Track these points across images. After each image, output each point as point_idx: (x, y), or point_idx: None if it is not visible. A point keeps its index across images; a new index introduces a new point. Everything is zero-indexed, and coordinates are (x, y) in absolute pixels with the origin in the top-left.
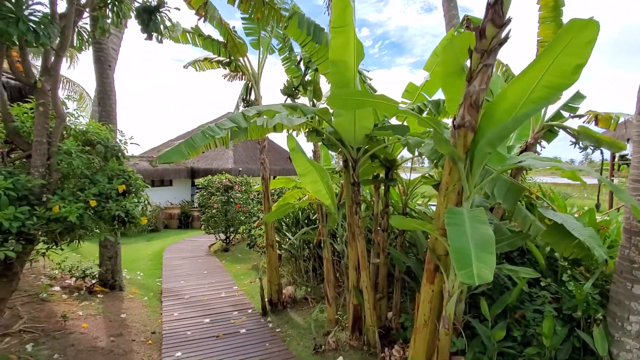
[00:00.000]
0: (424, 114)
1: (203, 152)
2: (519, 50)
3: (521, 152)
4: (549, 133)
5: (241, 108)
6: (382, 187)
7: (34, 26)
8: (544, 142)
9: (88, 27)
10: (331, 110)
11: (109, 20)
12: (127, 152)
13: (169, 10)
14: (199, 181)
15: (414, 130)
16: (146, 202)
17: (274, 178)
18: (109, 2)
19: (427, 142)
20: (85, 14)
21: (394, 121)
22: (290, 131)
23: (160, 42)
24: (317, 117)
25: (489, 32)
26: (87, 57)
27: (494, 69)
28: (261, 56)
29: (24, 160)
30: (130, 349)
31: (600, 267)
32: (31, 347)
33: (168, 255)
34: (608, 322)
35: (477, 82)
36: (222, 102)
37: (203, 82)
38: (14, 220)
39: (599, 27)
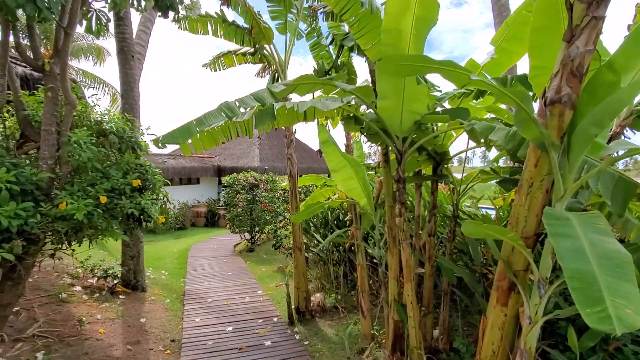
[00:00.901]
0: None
1: (223, 143)
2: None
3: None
4: (638, 119)
5: None
6: (425, 186)
7: None
8: (628, 132)
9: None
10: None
11: None
12: (146, 145)
13: None
14: (225, 179)
15: (474, 116)
16: (165, 199)
17: (300, 177)
18: None
19: (499, 127)
20: None
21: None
22: (322, 121)
23: (177, 21)
24: (355, 102)
25: None
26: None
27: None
28: (288, 42)
29: (37, 152)
30: None
31: None
32: (42, 356)
33: (193, 255)
34: None
35: (582, 42)
36: None
37: (231, 80)
38: (15, 217)
39: None
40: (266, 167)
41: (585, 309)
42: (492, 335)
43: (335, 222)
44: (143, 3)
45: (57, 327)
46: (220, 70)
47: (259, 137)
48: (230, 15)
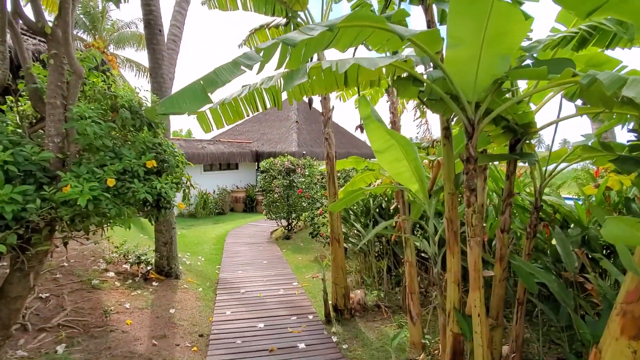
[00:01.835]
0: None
1: (247, 117)
2: None
3: None
4: None
5: None
6: (489, 170)
7: None
8: None
9: None
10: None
11: None
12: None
13: None
14: (261, 164)
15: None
16: (188, 182)
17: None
18: None
19: (635, 79)
20: None
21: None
22: (367, 92)
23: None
24: (413, 59)
25: None
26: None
27: None
28: (325, 7)
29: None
30: (172, 357)
31: None
32: (62, 349)
33: (230, 240)
34: None
35: None
36: None
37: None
38: (10, 203)
39: None
40: (304, 152)
41: None
42: None
43: (377, 210)
44: None
45: (84, 316)
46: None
47: (296, 121)
48: None
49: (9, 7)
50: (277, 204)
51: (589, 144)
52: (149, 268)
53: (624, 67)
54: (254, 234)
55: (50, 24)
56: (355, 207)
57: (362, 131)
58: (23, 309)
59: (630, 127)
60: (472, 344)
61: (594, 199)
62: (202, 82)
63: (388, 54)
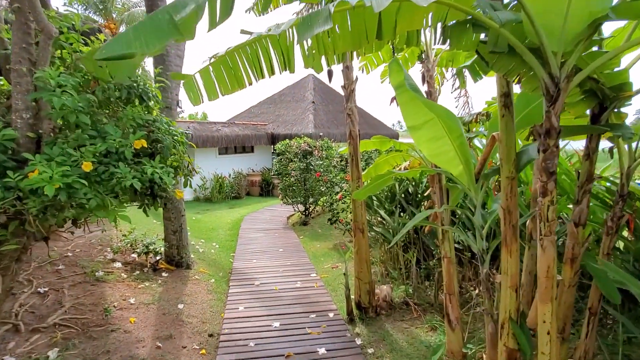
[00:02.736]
0: None
1: (250, 85)
2: None
3: None
4: None
5: None
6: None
7: None
8: None
9: None
10: None
11: None
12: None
13: None
14: (277, 146)
15: None
16: (190, 166)
17: None
18: None
19: None
20: None
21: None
22: (401, 56)
23: None
24: None
25: None
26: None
27: None
28: None
29: None
30: None
31: None
32: (55, 354)
33: (246, 226)
34: None
35: None
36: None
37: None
38: None
39: None
40: (321, 134)
41: None
42: None
43: (403, 195)
44: None
45: (84, 313)
46: (265, 13)
47: (312, 101)
48: None
49: None
50: (294, 188)
51: None
52: (158, 258)
53: None
54: (270, 219)
55: None
56: (379, 193)
57: (396, 103)
58: (17, 307)
59: None
60: None
61: None
62: (168, 9)
63: None
